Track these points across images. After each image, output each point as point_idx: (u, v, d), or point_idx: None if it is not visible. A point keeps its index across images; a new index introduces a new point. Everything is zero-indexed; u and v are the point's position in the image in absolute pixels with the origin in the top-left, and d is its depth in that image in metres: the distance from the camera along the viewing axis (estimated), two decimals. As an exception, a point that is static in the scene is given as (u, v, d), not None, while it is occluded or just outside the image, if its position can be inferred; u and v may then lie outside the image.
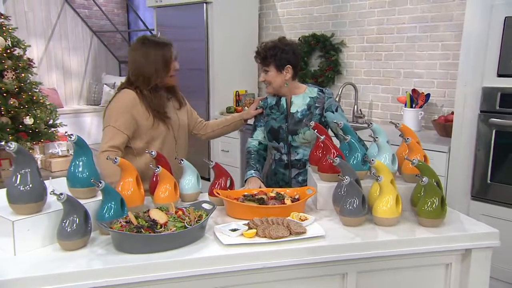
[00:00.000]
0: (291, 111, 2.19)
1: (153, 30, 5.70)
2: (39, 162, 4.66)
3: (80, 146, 1.47)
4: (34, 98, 4.62)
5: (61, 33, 6.56)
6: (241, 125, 2.40)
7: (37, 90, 4.69)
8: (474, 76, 2.78)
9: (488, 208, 2.79)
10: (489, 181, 2.79)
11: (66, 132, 1.44)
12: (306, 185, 2.18)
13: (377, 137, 1.74)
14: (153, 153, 1.72)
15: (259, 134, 2.28)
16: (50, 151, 4.69)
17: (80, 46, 6.79)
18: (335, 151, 1.74)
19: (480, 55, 2.75)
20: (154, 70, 2.00)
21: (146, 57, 2.00)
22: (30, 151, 4.50)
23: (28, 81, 4.66)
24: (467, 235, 1.51)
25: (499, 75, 2.69)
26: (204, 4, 4.36)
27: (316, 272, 1.45)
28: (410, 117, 3.55)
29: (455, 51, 3.52)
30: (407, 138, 1.73)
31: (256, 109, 2.29)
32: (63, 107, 6.38)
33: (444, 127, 3.31)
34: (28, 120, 4.42)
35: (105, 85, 6.73)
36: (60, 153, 4.66)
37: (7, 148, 1.28)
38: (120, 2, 7.08)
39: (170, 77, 2.09)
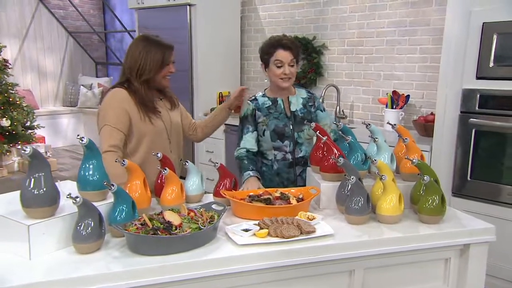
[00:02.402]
0: (291, 109, 2.24)
1: (132, 31, 5.65)
2: (16, 165, 4.55)
3: (91, 149, 1.47)
4: (11, 99, 4.51)
5: (36, 34, 6.40)
6: (228, 114, 2.34)
7: (13, 92, 4.58)
8: (454, 79, 2.91)
9: (469, 204, 2.91)
10: (469, 178, 2.91)
11: (78, 135, 1.43)
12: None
13: (376, 138, 1.81)
14: (159, 155, 1.73)
15: (246, 143, 2.23)
16: (28, 153, 4.57)
17: (56, 47, 6.63)
18: (337, 152, 1.80)
19: (460, 59, 2.88)
20: (150, 66, 2.04)
21: (146, 53, 2.04)
22: (8, 153, 4.39)
23: (4, 82, 4.54)
24: (466, 231, 1.60)
25: (478, 78, 2.82)
26: (187, 6, 4.36)
27: (325, 270, 1.50)
28: (391, 118, 3.66)
29: (432, 54, 3.66)
30: (405, 138, 1.80)
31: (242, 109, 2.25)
32: (39, 109, 6.22)
33: (424, 127, 3.44)
34: (5, 122, 4.32)
35: (81, 86, 6.61)
36: (39, 156, 4.55)
37: (22, 152, 1.27)
38: (97, 3, 6.95)
39: (164, 78, 2.11)
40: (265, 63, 2.19)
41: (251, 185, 2.04)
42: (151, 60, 2.03)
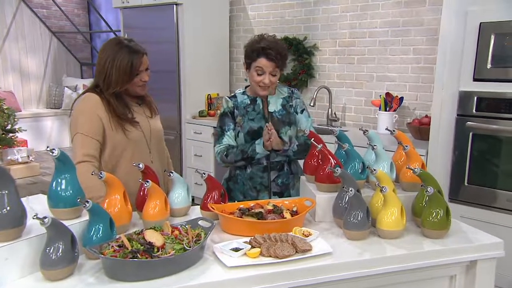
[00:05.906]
0: (269, 110, 2.11)
1: (118, 31, 5.49)
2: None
3: (63, 162, 1.32)
4: (-10, 102, 4.35)
5: (17, 34, 6.19)
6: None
7: (-8, 94, 4.40)
8: (451, 80, 2.82)
9: (466, 210, 2.83)
10: (466, 184, 2.83)
11: (47, 147, 1.29)
12: (286, 188, 2.13)
13: (375, 145, 1.69)
14: (140, 165, 1.59)
15: (229, 140, 2.11)
16: (9, 157, 4.43)
17: (39, 47, 6.42)
18: (333, 160, 1.67)
19: (456, 60, 2.79)
20: (117, 76, 1.84)
21: (112, 60, 1.84)
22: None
23: (-17, 84, 4.37)
24: (473, 246, 1.48)
25: (475, 80, 2.73)
26: (174, 5, 4.23)
27: (322, 291, 1.38)
28: (385, 120, 3.57)
29: (426, 55, 3.57)
30: (406, 146, 1.68)
31: None
32: (21, 111, 6.02)
33: (419, 130, 3.35)
34: (-17, 126, 4.14)
35: (66, 88, 6.43)
36: (20, 160, 4.43)
37: (-19, 167, 1.12)
38: (81, 2, 6.77)
39: (138, 87, 1.93)
40: (247, 64, 2.07)
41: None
42: (116, 70, 1.83)
